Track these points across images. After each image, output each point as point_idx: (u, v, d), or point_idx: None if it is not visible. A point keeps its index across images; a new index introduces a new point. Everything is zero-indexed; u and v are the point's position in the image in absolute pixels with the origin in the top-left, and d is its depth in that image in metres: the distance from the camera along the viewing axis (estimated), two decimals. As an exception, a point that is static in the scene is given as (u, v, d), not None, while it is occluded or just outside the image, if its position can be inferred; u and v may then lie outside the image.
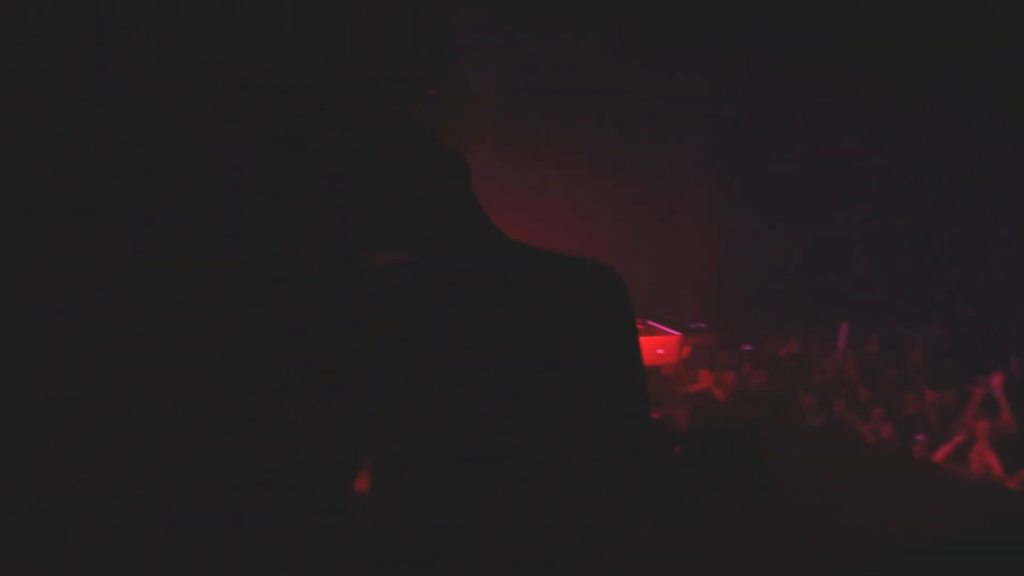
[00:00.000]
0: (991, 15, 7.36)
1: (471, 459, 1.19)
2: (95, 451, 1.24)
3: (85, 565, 1.24)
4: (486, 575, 1.17)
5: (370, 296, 1.18)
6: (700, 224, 9.61)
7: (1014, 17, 7.28)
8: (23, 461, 1.26)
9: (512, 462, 1.19)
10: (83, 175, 1.21)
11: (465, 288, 1.21)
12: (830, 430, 6.79)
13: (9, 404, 1.25)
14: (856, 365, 7.81)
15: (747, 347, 8.57)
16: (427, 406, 1.18)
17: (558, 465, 1.22)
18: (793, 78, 8.49)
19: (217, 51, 1.17)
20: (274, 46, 1.17)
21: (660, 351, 7.71)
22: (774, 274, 9.39)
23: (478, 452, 1.20)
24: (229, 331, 1.20)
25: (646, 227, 8.98)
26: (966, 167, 8.99)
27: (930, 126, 8.82)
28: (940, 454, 5.68)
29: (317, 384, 1.19)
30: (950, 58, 7.97)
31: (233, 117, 1.18)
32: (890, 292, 9.14)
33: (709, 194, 9.49)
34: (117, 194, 1.20)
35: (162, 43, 1.18)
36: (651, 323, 8.35)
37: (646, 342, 7.77)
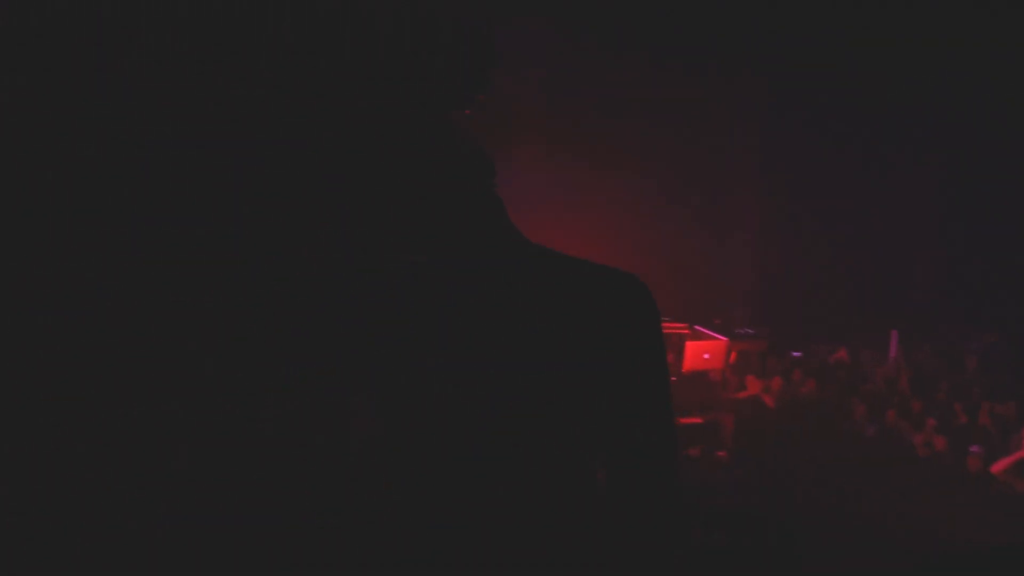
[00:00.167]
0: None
1: (472, 462, 1.32)
2: (95, 451, 1.38)
3: (85, 565, 1.38)
4: (486, 575, 1.30)
5: (370, 296, 1.32)
6: (750, 229, 9.87)
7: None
8: (23, 461, 1.40)
9: (516, 469, 1.32)
10: (83, 175, 1.35)
11: (467, 290, 1.34)
12: (881, 440, 6.90)
13: (9, 404, 1.39)
14: (908, 374, 7.94)
15: (796, 354, 8.81)
16: (427, 407, 1.31)
17: (570, 479, 1.35)
18: (846, 83, 8.70)
19: (217, 51, 1.31)
20: (274, 46, 1.30)
21: (706, 356, 8.01)
22: (825, 280, 9.60)
23: (480, 455, 1.32)
24: (229, 331, 1.33)
25: (696, 232, 9.27)
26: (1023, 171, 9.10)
27: (986, 130, 8.94)
28: (998, 466, 5.77)
29: (317, 384, 1.32)
30: (1011, 60, 8.08)
31: (233, 117, 1.31)
32: (943, 300, 9.28)
33: (760, 199, 9.75)
34: (117, 194, 1.34)
35: (162, 43, 1.32)
36: (698, 328, 8.64)
37: (692, 347, 8.09)
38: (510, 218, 1.38)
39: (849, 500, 5.35)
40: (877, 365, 8.52)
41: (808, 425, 7.12)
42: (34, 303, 1.38)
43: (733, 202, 9.80)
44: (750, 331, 8.98)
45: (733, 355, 8.56)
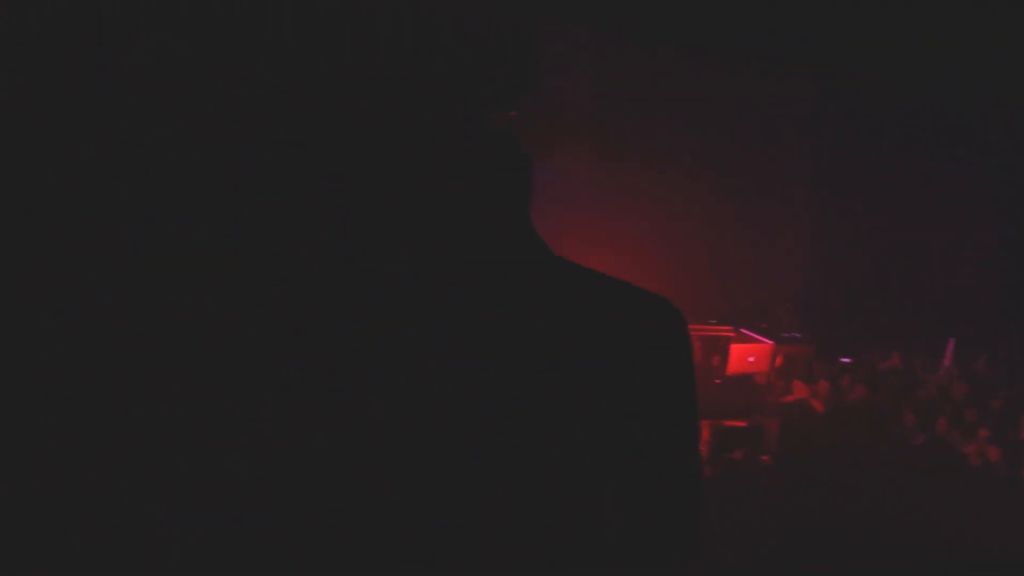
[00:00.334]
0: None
1: (472, 462, 1.46)
2: (95, 451, 1.53)
3: (85, 565, 1.54)
4: (486, 575, 1.45)
5: (370, 296, 1.46)
6: (799, 230, 10.20)
7: None
8: (23, 461, 1.56)
9: (516, 469, 1.47)
10: (83, 175, 1.51)
11: (468, 290, 1.48)
12: (931, 449, 7.04)
13: (9, 404, 1.55)
14: (962, 384, 8.12)
15: (845, 360, 9.08)
16: (427, 407, 1.46)
17: (571, 480, 1.49)
18: (896, 83, 8.99)
19: (217, 51, 1.46)
20: (274, 46, 1.45)
21: (751, 359, 8.38)
22: (877, 284, 9.86)
23: (480, 455, 1.47)
24: (229, 331, 1.49)
25: (742, 234, 9.63)
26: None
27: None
28: (1054, 480, 5.88)
29: (317, 384, 1.47)
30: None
31: (233, 117, 1.47)
32: (1000, 308, 9.45)
33: (810, 200, 10.08)
34: (117, 194, 1.50)
35: (162, 43, 1.47)
36: (743, 331, 9.00)
37: (737, 349, 8.47)
38: (533, 222, 1.50)
39: (890, 506, 5.51)
40: (930, 372, 8.72)
41: (855, 431, 7.34)
42: (34, 303, 1.53)
43: (781, 203, 10.14)
44: (796, 335, 9.31)
45: (779, 359, 8.90)
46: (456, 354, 1.48)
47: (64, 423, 1.54)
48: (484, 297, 1.48)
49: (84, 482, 1.53)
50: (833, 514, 5.60)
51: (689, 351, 1.44)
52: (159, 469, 1.52)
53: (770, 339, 8.70)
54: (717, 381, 8.73)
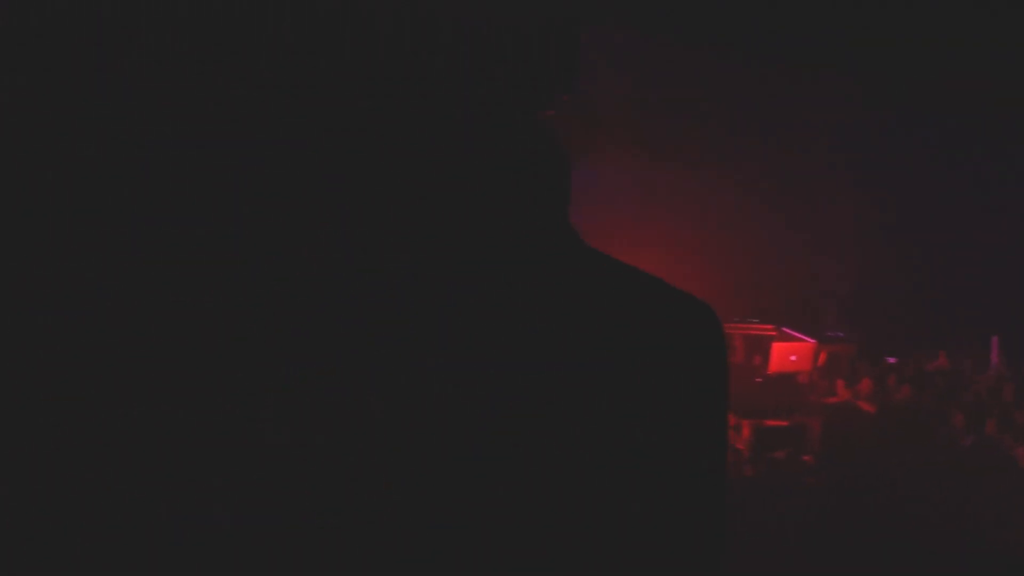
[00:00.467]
0: None
1: (472, 462, 1.58)
2: (95, 451, 1.67)
3: (85, 565, 1.68)
4: (486, 575, 1.57)
5: (370, 296, 1.59)
6: (842, 229, 10.45)
7: None
8: (23, 461, 1.69)
9: (516, 469, 1.59)
10: (83, 175, 1.64)
11: (469, 290, 1.60)
12: (979, 451, 7.17)
13: (9, 404, 1.68)
14: (1012, 384, 8.25)
15: (891, 360, 9.30)
16: (427, 407, 1.58)
17: (571, 480, 1.61)
18: (943, 82, 9.18)
19: (217, 51, 1.59)
20: (274, 46, 1.58)
21: (793, 358, 8.71)
22: (924, 284, 10.05)
23: (480, 455, 1.59)
24: (229, 331, 1.62)
25: (786, 232, 9.91)
26: None
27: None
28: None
29: (317, 384, 1.59)
30: None
31: (233, 117, 1.60)
32: None
33: (854, 198, 10.32)
34: (117, 194, 1.63)
35: (162, 43, 1.60)
36: (785, 329, 9.31)
37: (779, 348, 8.80)
38: (571, 220, 1.61)
39: (936, 508, 5.64)
40: (979, 373, 8.87)
41: (901, 432, 7.52)
42: (34, 303, 1.67)
43: (826, 201, 10.39)
44: (839, 334, 9.58)
45: (822, 358, 9.19)
46: (457, 353, 1.60)
47: (64, 423, 1.67)
48: (486, 294, 1.60)
49: (84, 482, 1.67)
50: (877, 515, 5.73)
51: (722, 354, 1.49)
52: (159, 469, 1.65)
53: (813, 338, 8.99)
54: (758, 380, 9.02)
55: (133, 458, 1.68)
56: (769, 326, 9.25)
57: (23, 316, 1.69)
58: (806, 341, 8.84)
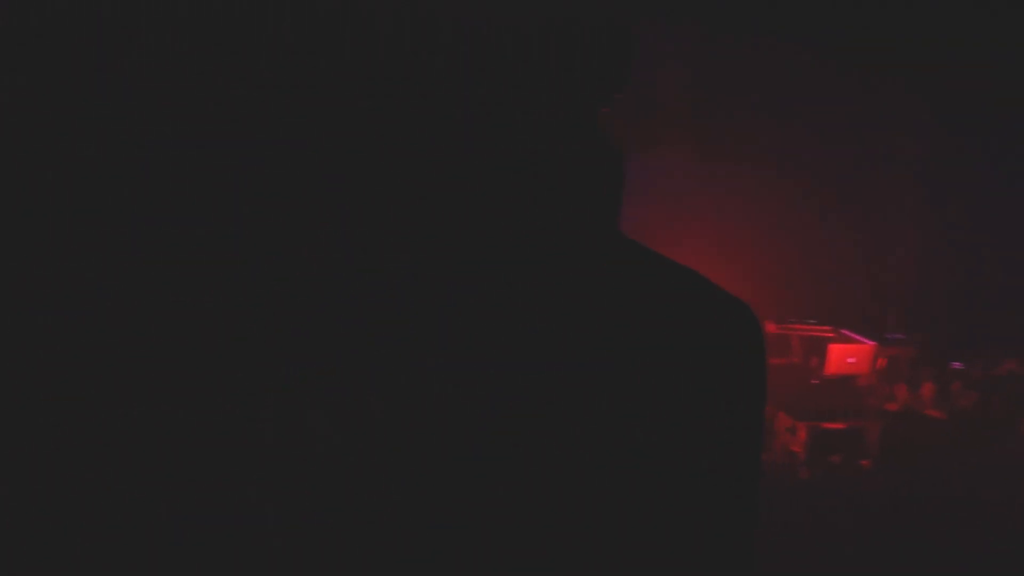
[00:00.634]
0: None
1: (472, 462, 1.75)
2: (95, 451, 1.83)
3: (85, 565, 1.84)
4: (486, 575, 1.73)
5: (370, 296, 1.75)
6: (904, 227, 10.67)
7: None
8: (23, 461, 1.85)
9: (516, 469, 1.75)
10: (83, 175, 1.80)
11: (469, 289, 1.77)
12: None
13: (9, 404, 1.84)
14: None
15: (956, 365, 9.52)
16: (427, 407, 1.74)
17: (571, 480, 1.77)
18: (1008, 83, 9.39)
19: (217, 51, 1.76)
20: (274, 46, 1.75)
21: (851, 360, 9.02)
22: (988, 284, 10.25)
23: (480, 455, 1.75)
24: (229, 331, 1.78)
25: (844, 230, 10.17)
26: None
27: None
28: None
29: (317, 384, 1.76)
30: None
31: (233, 117, 1.76)
32: None
33: (916, 195, 10.54)
34: (117, 194, 1.79)
35: (162, 43, 1.77)
36: (843, 331, 9.61)
37: (836, 350, 9.13)
38: (626, 217, 1.74)
39: (1002, 518, 5.78)
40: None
41: (965, 439, 7.72)
42: (34, 303, 1.83)
43: (887, 200, 10.61)
44: (900, 336, 9.84)
45: (881, 361, 9.46)
46: (457, 353, 1.76)
47: (64, 423, 1.83)
48: (487, 294, 1.77)
49: (84, 482, 1.83)
50: (936, 524, 5.89)
51: (759, 355, 1.59)
52: (159, 469, 1.81)
53: (872, 340, 9.28)
54: (815, 382, 9.33)
55: (133, 458, 1.84)
56: (827, 327, 9.57)
57: (23, 316, 1.85)
58: (865, 343, 9.14)
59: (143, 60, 1.77)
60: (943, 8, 8.89)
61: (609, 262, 1.66)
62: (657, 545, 1.64)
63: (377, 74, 1.72)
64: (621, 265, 1.67)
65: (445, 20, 1.68)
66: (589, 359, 1.70)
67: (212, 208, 1.77)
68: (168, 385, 1.80)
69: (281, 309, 1.76)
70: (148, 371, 1.81)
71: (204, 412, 1.79)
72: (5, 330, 1.83)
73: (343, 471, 1.76)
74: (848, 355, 9.52)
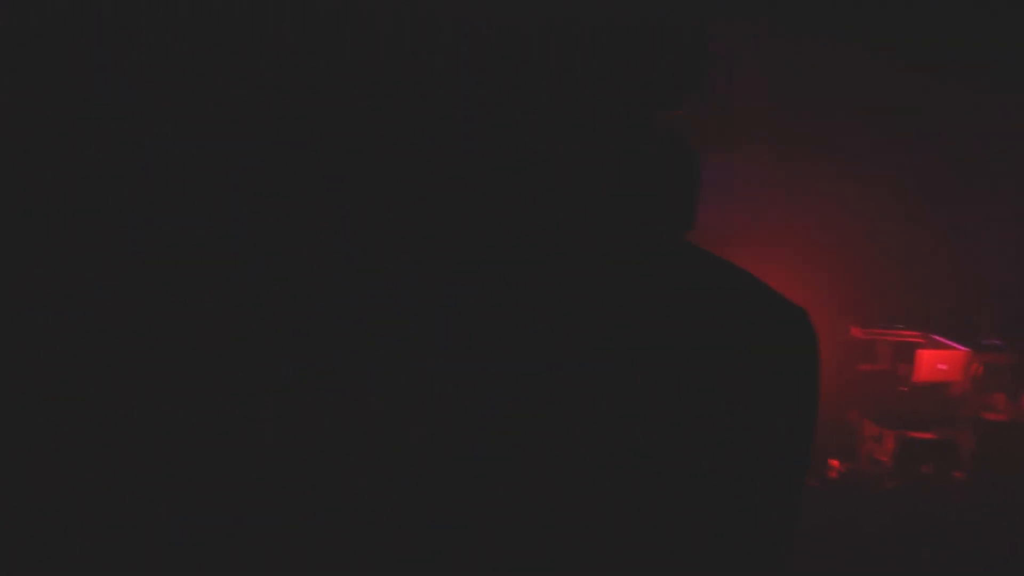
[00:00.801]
0: None
1: (472, 462, 1.89)
2: (95, 451, 1.98)
3: (85, 565, 1.99)
4: (486, 575, 1.88)
5: (370, 296, 1.90)
6: (1001, 226, 10.83)
7: None
8: (23, 461, 2.01)
9: (516, 469, 1.90)
10: (83, 175, 1.95)
11: (469, 289, 1.92)
12: None
13: (9, 404, 2.00)
14: None
15: None
16: (427, 407, 1.89)
17: (571, 480, 1.92)
18: None
19: (217, 51, 1.91)
20: (274, 46, 1.90)
21: (942, 367, 9.20)
22: None
23: (480, 455, 1.90)
24: (229, 331, 1.94)
25: (936, 231, 10.33)
26: None
27: None
28: None
29: (317, 384, 1.91)
30: None
31: (233, 117, 1.92)
32: None
33: (1014, 192, 10.71)
34: (117, 194, 1.94)
35: (162, 43, 1.92)
36: (935, 336, 9.79)
37: (926, 356, 9.31)
38: (700, 217, 1.84)
39: None
40: None
41: None
42: (34, 303, 1.98)
43: (981, 198, 10.77)
44: (997, 342, 9.96)
45: (976, 368, 9.58)
46: (457, 353, 1.91)
47: (64, 423, 1.99)
48: (486, 293, 1.92)
49: (84, 482, 1.98)
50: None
51: (808, 373, 1.66)
52: (159, 469, 1.97)
53: (966, 346, 9.44)
54: (903, 389, 9.49)
55: (133, 458, 1.99)
56: (917, 332, 9.71)
57: (23, 316, 2.00)
58: (957, 349, 9.29)
59: (143, 60, 1.93)
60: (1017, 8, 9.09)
61: (661, 263, 1.75)
62: (685, 548, 1.79)
63: (382, 74, 1.87)
64: (674, 267, 1.76)
65: (504, 18, 1.81)
66: (616, 359, 1.84)
67: (212, 208, 1.92)
68: (168, 385, 1.95)
69: (281, 309, 1.91)
70: (148, 371, 1.96)
71: (204, 412, 1.94)
72: (5, 330, 1.98)
73: (343, 471, 1.91)
74: (939, 361, 9.67)
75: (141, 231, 1.90)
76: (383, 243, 1.85)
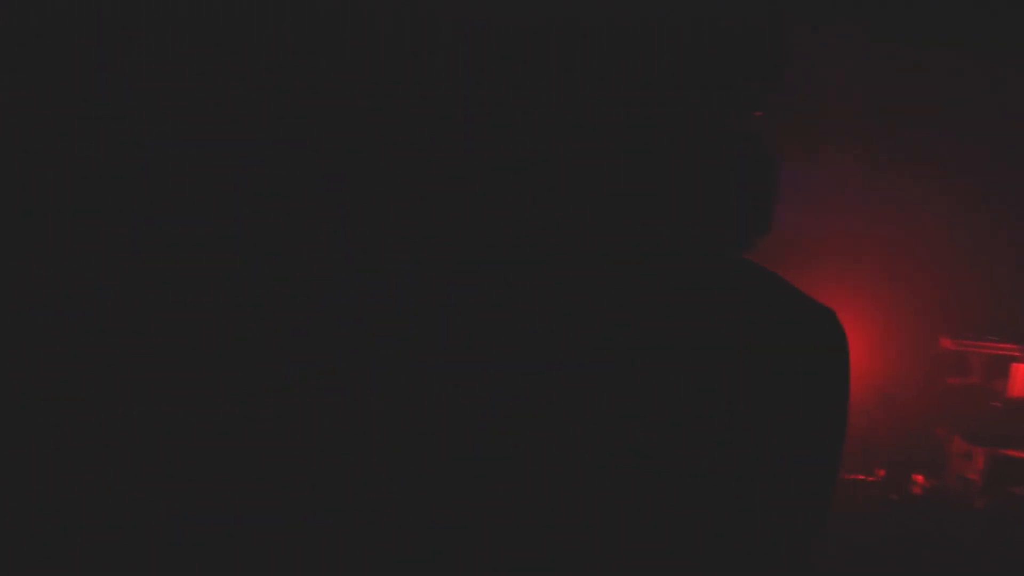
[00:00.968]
0: None
1: (472, 462, 2.02)
2: (95, 451, 2.13)
3: (85, 565, 2.13)
4: (486, 575, 2.00)
5: (370, 296, 2.04)
6: None
7: None
8: (23, 461, 2.15)
9: (516, 469, 2.02)
10: (83, 175, 2.10)
11: (469, 289, 2.05)
12: None
13: (9, 404, 2.14)
14: None
15: None
16: (427, 407, 2.02)
17: (571, 480, 2.05)
18: None
19: (217, 51, 2.06)
20: (274, 46, 2.05)
21: None
22: None
23: (480, 455, 2.02)
24: (229, 331, 2.08)
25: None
26: None
27: None
28: None
29: (317, 384, 2.05)
30: None
31: (233, 117, 2.06)
32: None
33: None
34: (117, 194, 2.09)
35: (162, 43, 2.07)
36: None
37: (1022, 369, 9.34)
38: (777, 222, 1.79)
39: None
40: None
41: None
42: (34, 303, 2.13)
43: None
44: None
45: None
46: (457, 353, 2.04)
47: (64, 423, 2.13)
48: (486, 294, 2.05)
49: (84, 482, 2.13)
50: None
51: (827, 372, 1.77)
52: (159, 469, 2.12)
53: None
54: (996, 404, 9.55)
55: (133, 458, 2.13)
56: (1011, 345, 9.74)
57: (23, 316, 2.15)
58: None
59: (143, 60, 2.07)
60: None
61: (665, 264, 1.85)
62: (685, 548, 1.86)
63: (382, 74, 2.01)
64: (679, 268, 1.85)
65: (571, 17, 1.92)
66: (616, 359, 1.96)
67: (212, 208, 2.07)
68: (168, 385, 2.10)
69: (281, 309, 2.05)
70: (148, 371, 2.10)
71: (204, 412, 2.09)
72: (5, 330, 2.13)
73: (343, 471, 2.05)
74: (1035, 375, 9.73)
75: (141, 231, 2.03)
76: (383, 243, 1.98)
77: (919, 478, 9.55)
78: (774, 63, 1.89)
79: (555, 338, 1.92)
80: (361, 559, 1.88)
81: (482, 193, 1.91)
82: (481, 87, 1.88)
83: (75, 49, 1.90)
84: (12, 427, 1.97)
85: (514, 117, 1.87)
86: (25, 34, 1.92)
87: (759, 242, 1.88)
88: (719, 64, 1.86)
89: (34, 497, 1.98)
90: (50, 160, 1.92)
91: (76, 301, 1.92)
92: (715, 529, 1.84)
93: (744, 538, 1.84)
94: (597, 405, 1.94)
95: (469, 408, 1.91)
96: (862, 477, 7.33)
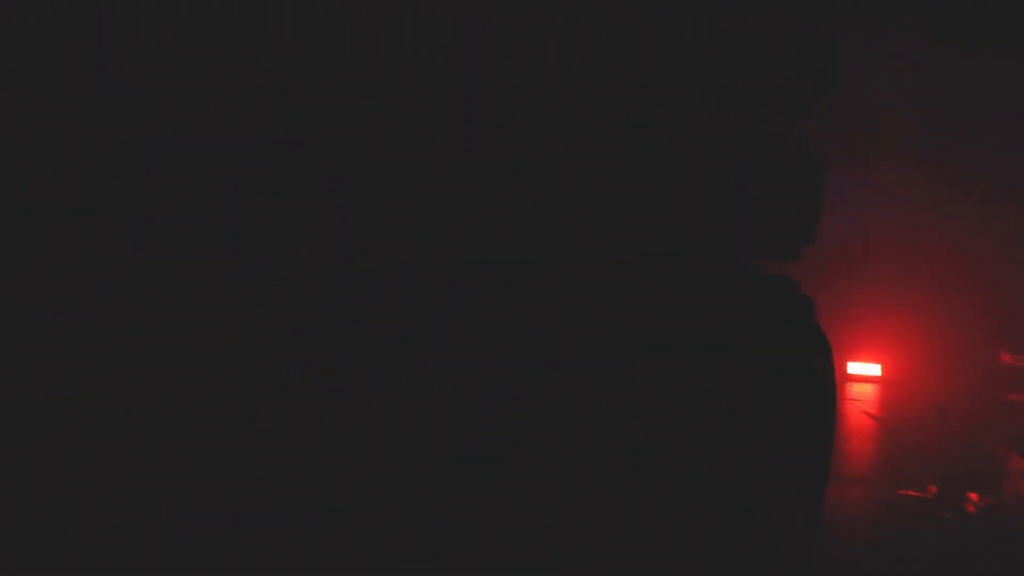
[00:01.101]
0: None
1: (472, 462, 2.09)
2: (95, 451, 2.20)
3: (85, 565, 2.20)
4: (486, 575, 2.07)
5: (370, 296, 2.11)
6: None
7: None
8: (23, 461, 2.22)
9: (516, 469, 2.09)
10: (83, 175, 2.17)
11: (468, 289, 2.12)
12: None
13: (9, 404, 2.21)
14: None
15: None
16: (427, 407, 2.09)
17: (571, 480, 2.12)
18: None
19: (217, 51, 2.13)
20: (274, 46, 2.13)
21: None
22: None
23: (480, 455, 2.10)
24: (229, 331, 2.16)
25: None
26: None
27: None
28: None
29: (317, 384, 2.12)
30: None
31: (233, 117, 2.14)
32: None
33: None
34: (117, 194, 2.16)
35: (162, 43, 2.15)
36: None
37: None
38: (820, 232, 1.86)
39: None
40: None
41: None
42: (34, 303, 2.20)
43: None
44: None
45: None
46: (456, 353, 2.11)
47: (64, 423, 2.20)
48: (485, 294, 2.12)
49: (84, 482, 2.20)
50: None
51: (831, 376, 1.86)
52: (159, 469, 2.19)
53: None
54: None
55: (133, 458, 2.20)
56: None
57: (23, 316, 2.22)
58: None
59: (143, 60, 2.14)
60: None
61: (663, 265, 1.90)
62: (684, 548, 1.92)
63: (382, 74, 2.08)
64: (676, 268, 1.91)
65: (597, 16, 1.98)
66: (616, 359, 2.04)
67: (212, 208, 2.14)
68: (168, 385, 2.17)
69: (281, 309, 2.12)
70: (148, 371, 2.17)
71: (204, 412, 2.16)
72: (5, 330, 2.20)
73: (343, 471, 2.12)
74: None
75: (141, 231, 2.10)
76: (383, 243, 2.05)
77: (974, 495, 9.55)
78: (820, 70, 1.94)
79: (555, 338, 1.99)
80: (361, 559, 1.95)
81: (482, 193, 1.99)
82: (481, 87, 1.96)
83: (75, 49, 1.96)
84: (12, 427, 2.03)
85: (514, 117, 1.93)
86: (25, 34, 1.99)
87: (803, 251, 1.94)
88: (757, 68, 1.93)
89: (34, 497, 2.03)
90: (50, 160, 1.98)
91: (76, 301, 1.99)
92: (715, 529, 1.88)
93: (744, 538, 1.87)
94: (597, 405, 2.01)
95: (469, 408, 1.98)
96: (913, 493, 7.37)
